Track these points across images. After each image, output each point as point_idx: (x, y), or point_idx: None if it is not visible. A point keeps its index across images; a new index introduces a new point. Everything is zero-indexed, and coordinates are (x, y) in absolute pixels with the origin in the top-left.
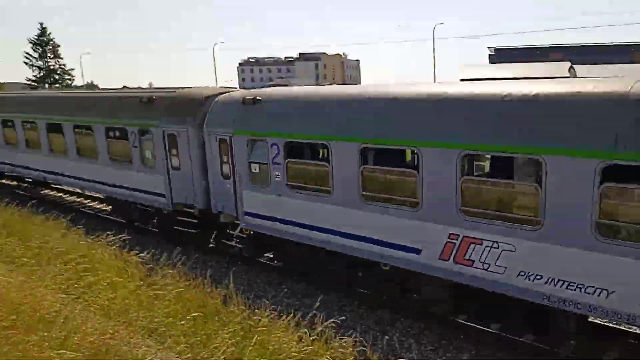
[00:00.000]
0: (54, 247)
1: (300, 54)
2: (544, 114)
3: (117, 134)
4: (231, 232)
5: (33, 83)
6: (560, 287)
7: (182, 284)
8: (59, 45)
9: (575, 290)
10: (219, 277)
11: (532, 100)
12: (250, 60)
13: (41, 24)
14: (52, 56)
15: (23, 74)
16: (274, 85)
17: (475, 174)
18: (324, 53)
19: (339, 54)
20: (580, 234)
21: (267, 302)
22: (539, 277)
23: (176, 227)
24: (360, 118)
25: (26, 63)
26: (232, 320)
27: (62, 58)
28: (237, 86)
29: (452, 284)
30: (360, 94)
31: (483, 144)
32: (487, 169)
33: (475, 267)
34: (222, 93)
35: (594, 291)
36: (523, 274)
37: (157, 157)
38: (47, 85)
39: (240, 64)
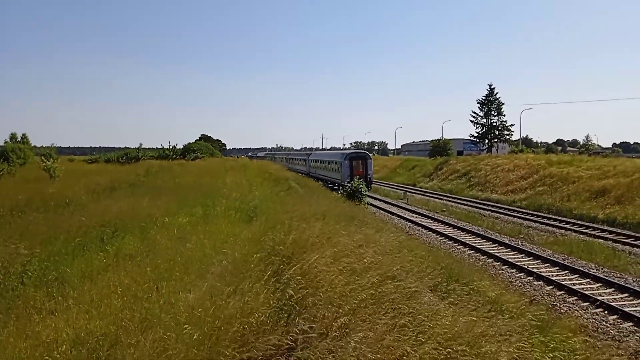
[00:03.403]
0: None
1: None
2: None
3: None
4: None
5: (475, 139)
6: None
7: None
8: (503, 104)
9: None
10: None
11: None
12: None
13: (490, 85)
14: (495, 114)
15: (467, 130)
16: None
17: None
18: None
19: None
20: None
21: None
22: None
23: None
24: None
25: (472, 121)
26: None
27: (504, 115)
28: None
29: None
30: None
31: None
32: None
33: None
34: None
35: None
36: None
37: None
38: (486, 141)
39: None
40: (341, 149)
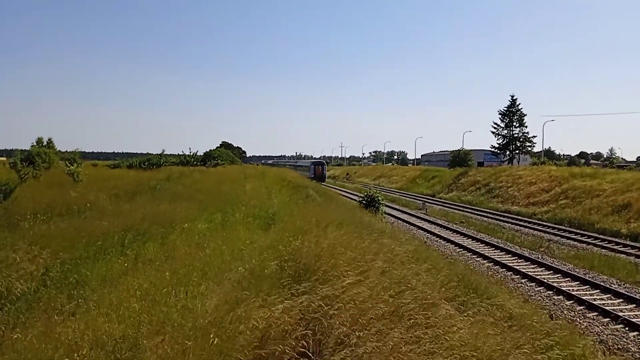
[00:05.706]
0: None
1: None
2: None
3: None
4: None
5: (496, 150)
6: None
7: None
8: (525, 115)
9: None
10: None
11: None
12: None
13: (512, 96)
14: (517, 125)
15: (488, 141)
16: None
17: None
18: None
19: None
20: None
21: None
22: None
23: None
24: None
25: (493, 132)
26: None
27: (526, 126)
28: None
29: None
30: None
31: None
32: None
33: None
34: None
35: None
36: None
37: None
38: (507, 152)
39: None
40: (314, 158)
